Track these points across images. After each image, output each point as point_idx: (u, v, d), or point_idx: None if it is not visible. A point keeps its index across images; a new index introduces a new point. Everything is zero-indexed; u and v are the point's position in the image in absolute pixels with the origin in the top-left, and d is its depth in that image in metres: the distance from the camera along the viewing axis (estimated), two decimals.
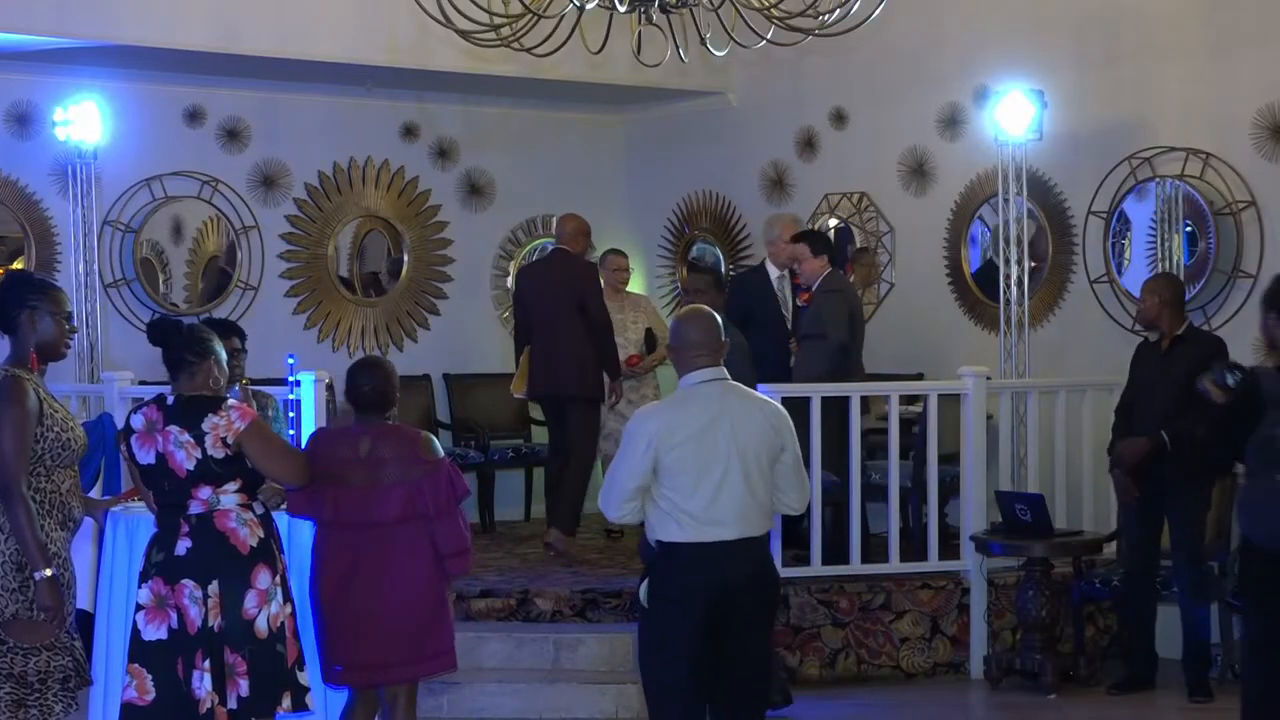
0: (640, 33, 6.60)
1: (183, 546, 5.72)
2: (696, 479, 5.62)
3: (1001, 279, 9.73)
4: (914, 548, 9.04)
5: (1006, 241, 9.68)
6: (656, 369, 10.66)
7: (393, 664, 6.22)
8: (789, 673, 8.34)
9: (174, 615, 5.69)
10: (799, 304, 9.69)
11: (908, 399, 9.40)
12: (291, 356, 7.65)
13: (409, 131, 11.84)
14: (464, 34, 6.70)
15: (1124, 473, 8.28)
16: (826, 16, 6.54)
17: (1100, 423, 8.99)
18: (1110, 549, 8.88)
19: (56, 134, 10.08)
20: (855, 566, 8.73)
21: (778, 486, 5.77)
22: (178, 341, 5.84)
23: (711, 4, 6.53)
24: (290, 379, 7.64)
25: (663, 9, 6.49)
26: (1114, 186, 9.65)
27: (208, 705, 5.66)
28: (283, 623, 5.81)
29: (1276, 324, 6.25)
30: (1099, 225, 9.76)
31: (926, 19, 10.49)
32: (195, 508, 5.74)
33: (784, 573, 7.66)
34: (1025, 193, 9.63)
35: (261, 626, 5.74)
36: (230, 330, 7.37)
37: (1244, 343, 8.56)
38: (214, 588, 5.69)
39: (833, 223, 11.26)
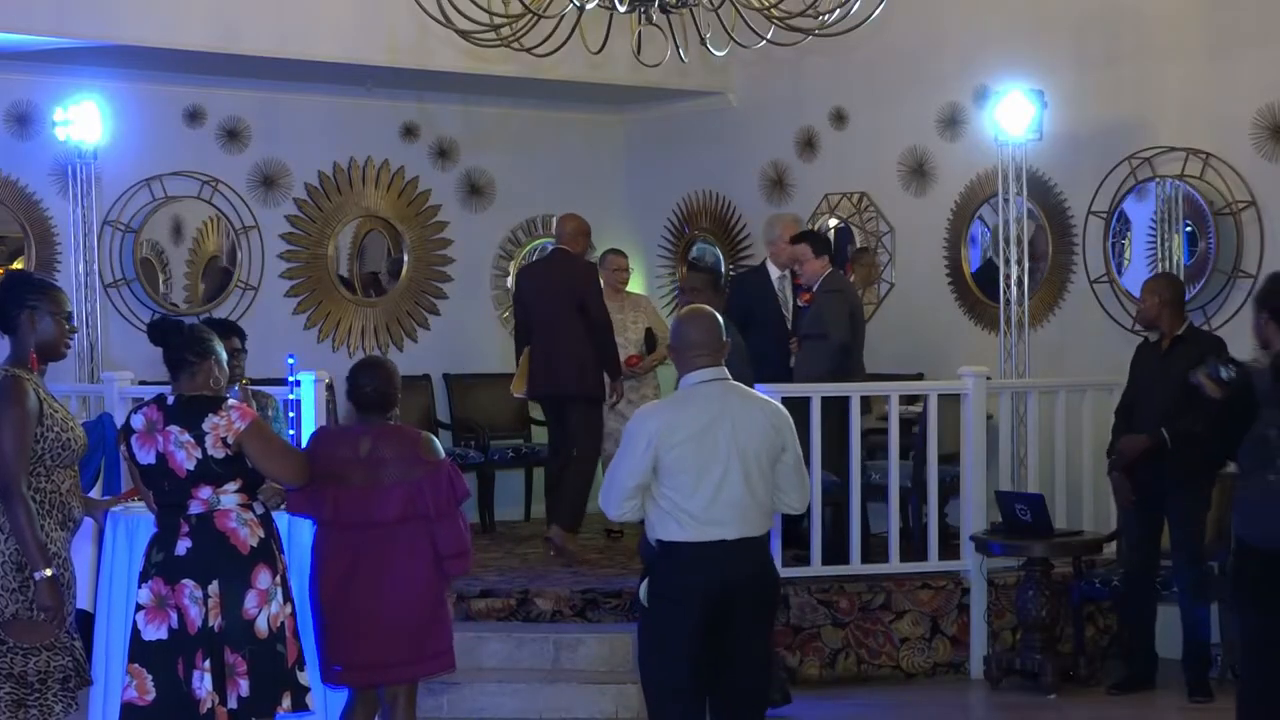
0: (640, 33, 6.60)
1: (183, 546, 5.72)
2: (696, 478, 5.63)
3: (1001, 279, 9.73)
4: (914, 548, 9.04)
5: (1006, 241, 9.68)
6: (657, 369, 10.67)
7: (392, 664, 6.21)
8: (789, 673, 8.34)
9: (174, 615, 5.69)
10: (800, 304, 9.69)
11: (908, 399, 9.40)
12: (291, 356, 7.66)
13: (409, 131, 11.84)
14: (464, 34, 6.70)
15: (1122, 475, 8.29)
16: (826, 16, 6.54)
17: (1100, 423, 8.99)
18: (1110, 549, 8.88)
19: (56, 134, 10.08)
20: (855, 566, 8.73)
21: (778, 486, 5.78)
22: (178, 341, 5.84)
23: (711, 4, 6.53)
24: (290, 379, 7.64)
25: (663, 9, 6.49)
26: (1114, 186, 9.65)
27: (208, 705, 5.66)
28: (283, 623, 5.81)
29: (1269, 324, 6.24)
30: (1099, 225, 9.76)
31: (926, 19, 10.49)
32: (195, 508, 5.74)
33: (784, 573, 7.66)
34: (1025, 193, 9.63)
35: (262, 626, 5.74)
36: (230, 330, 7.36)
37: (1244, 342, 8.52)
38: (214, 588, 5.69)
39: (833, 223, 11.26)
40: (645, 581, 5.78)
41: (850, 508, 8.74)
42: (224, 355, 5.93)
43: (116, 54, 10.12)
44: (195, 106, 11.04)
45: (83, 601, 5.97)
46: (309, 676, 5.95)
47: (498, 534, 10.88)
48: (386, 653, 6.18)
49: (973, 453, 8.87)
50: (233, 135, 11.17)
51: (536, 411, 10.91)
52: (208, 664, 5.67)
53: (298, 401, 7.75)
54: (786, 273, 9.84)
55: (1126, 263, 9.74)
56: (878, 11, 6.51)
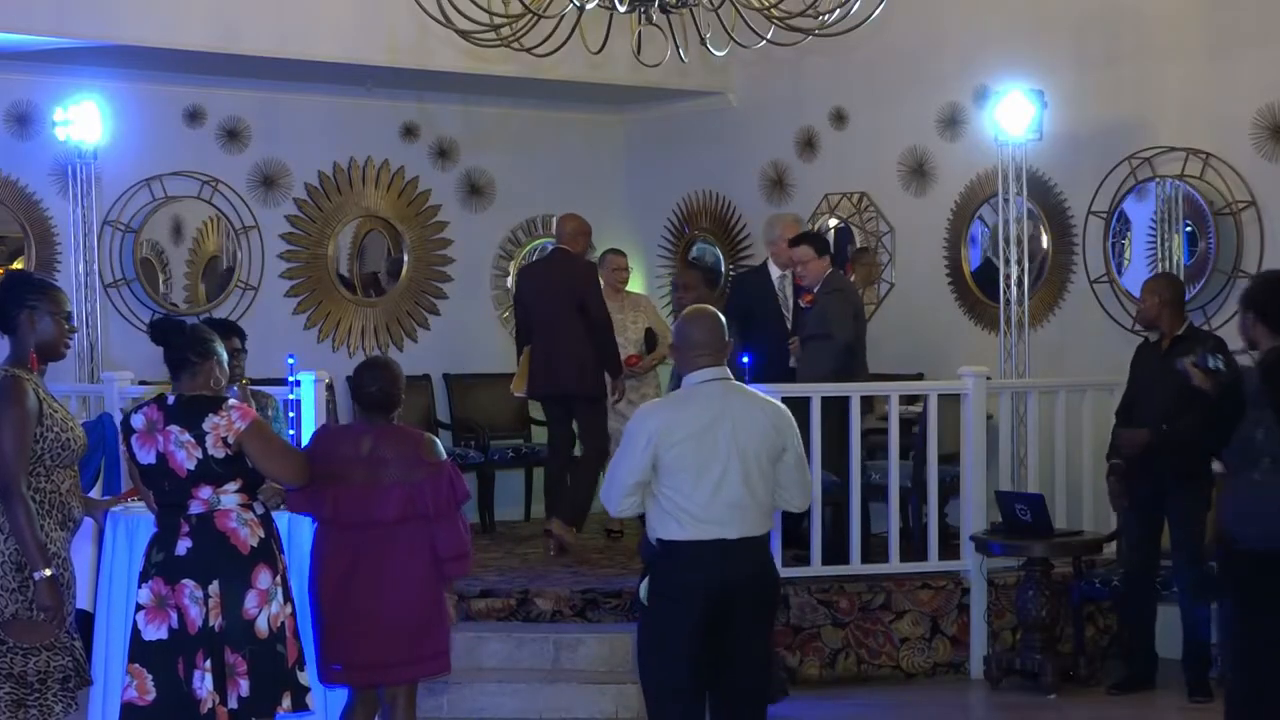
0: (640, 33, 6.60)
1: (183, 546, 5.72)
2: (696, 477, 5.65)
3: (1001, 279, 9.73)
4: (914, 548, 9.04)
5: (1006, 241, 9.68)
6: (657, 368, 10.67)
7: (392, 664, 6.21)
8: (789, 673, 8.34)
9: (174, 615, 5.69)
10: (801, 305, 9.67)
11: (908, 399, 9.40)
12: (291, 356, 7.66)
13: (409, 131, 11.84)
14: (464, 34, 6.70)
15: (1118, 479, 8.29)
16: (826, 16, 6.54)
17: (1100, 423, 8.99)
18: (1110, 549, 8.87)
19: (56, 134, 10.08)
20: (855, 566, 8.73)
21: (780, 485, 5.81)
22: (180, 341, 5.85)
23: (711, 4, 6.53)
24: (290, 379, 7.65)
25: (663, 9, 6.49)
26: (1114, 186, 9.65)
27: (208, 705, 5.67)
28: (283, 623, 5.81)
29: (1256, 324, 6.24)
30: (1099, 225, 9.76)
31: (926, 19, 10.49)
32: (196, 507, 5.74)
33: (784, 573, 7.66)
34: (1025, 193, 9.63)
35: (262, 626, 5.74)
36: (230, 330, 7.37)
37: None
38: (214, 588, 5.69)
39: (833, 223, 11.26)
40: (645, 580, 5.79)
41: (850, 508, 8.74)
42: (225, 356, 5.93)
43: (116, 54, 10.12)
44: (195, 106, 11.04)
45: (83, 601, 5.97)
46: (309, 676, 5.96)
47: (498, 534, 10.88)
48: (386, 653, 6.17)
49: (973, 453, 8.87)
50: (233, 135, 11.17)
51: (536, 411, 10.91)
52: (208, 664, 5.67)
53: (298, 401, 7.76)
54: (787, 273, 9.83)
55: (1126, 263, 9.74)
56: (878, 11, 6.51)
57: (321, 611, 6.21)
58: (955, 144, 10.54)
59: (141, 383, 8.83)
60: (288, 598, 5.89)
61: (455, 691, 7.84)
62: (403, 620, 6.16)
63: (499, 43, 6.80)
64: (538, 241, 12.19)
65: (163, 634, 5.71)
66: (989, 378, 9.09)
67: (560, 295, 9.64)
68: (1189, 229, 9.44)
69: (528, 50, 6.78)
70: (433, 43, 9.67)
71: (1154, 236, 9.58)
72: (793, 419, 5.90)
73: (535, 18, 6.60)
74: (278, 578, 5.82)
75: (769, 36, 6.80)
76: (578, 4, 6.41)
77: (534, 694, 7.94)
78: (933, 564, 8.85)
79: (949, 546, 8.96)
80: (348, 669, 6.21)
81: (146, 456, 5.77)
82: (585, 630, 8.33)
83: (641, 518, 5.99)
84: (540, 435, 10.85)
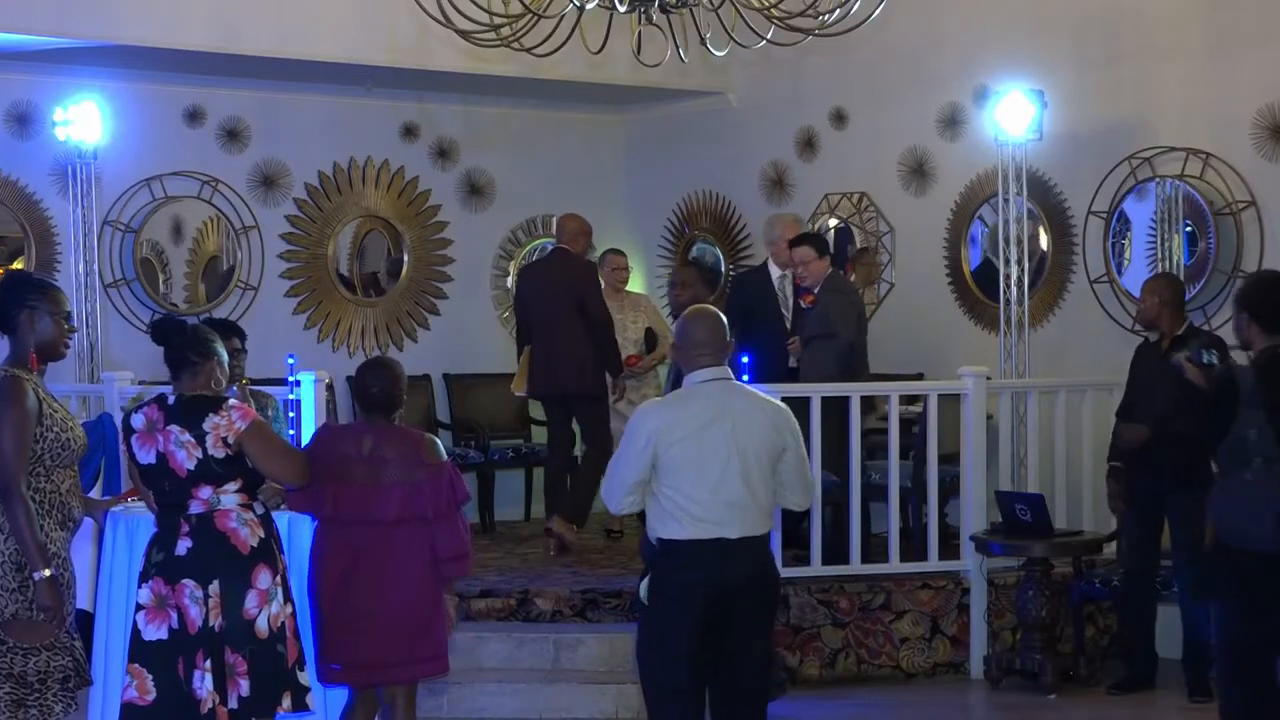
0: (640, 33, 6.60)
1: (183, 546, 5.72)
2: (695, 477, 5.66)
3: (1001, 279, 9.73)
4: (914, 548, 9.04)
5: (1006, 241, 9.68)
6: (657, 367, 10.67)
7: (392, 664, 6.21)
8: (789, 672, 8.34)
9: (174, 615, 5.70)
10: (802, 305, 9.66)
11: (908, 399, 9.40)
12: (291, 356, 7.67)
13: (409, 131, 11.84)
14: (464, 34, 6.70)
15: (1117, 480, 8.29)
16: (826, 16, 6.54)
17: (1100, 423, 8.99)
18: (1110, 549, 8.87)
19: (56, 134, 10.08)
20: (855, 566, 8.73)
21: (782, 484, 5.82)
22: (181, 341, 5.85)
23: (711, 4, 6.53)
24: (290, 379, 7.65)
25: (663, 9, 6.49)
26: (1114, 186, 9.65)
27: (209, 705, 5.67)
28: (283, 623, 5.81)
29: (1250, 324, 6.24)
30: (1099, 225, 9.76)
31: (926, 19, 10.49)
32: (196, 507, 5.74)
33: (784, 573, 7.65)
34: (1025, 193, 9.63)
35: (262, 626, 5.74)
36: (231, 330, 7.38)
37: None
38: (214, 588, 5.69)
39: (833, 223, 11.26)
40: (645, 579, 5.80)
41: (850, 508, 8.74)
42: (225, 356, 5.94)
43: (116, 54, 10.12)
44: (195, 106, 11.04)
45: (83, 601, 5.98)
46: (309, 676, 5.96)
47: (498, 534, 10.87)
48: (385, 652, 6.17)
49: (973, 453, 8.87)
50: (233, 135, 11.17)
51: (536, 411, 10.91)
52: (208, 664, 5.67)
53: (298, 401, 7.76)
54: (787, 273, 9.83)
55: (1126, 263, 9.74)
56: (878, 11, 6.51)
57: (321, 610, 6.21)
58: (955, 144, 10.54)
59: (141, 383, 8.83)
60: (288, 598, 5.89)
61: (455, 691, 7.84)
62: (402, 620, 6.16)
63: (499, 43, 6.80)
64: (538, 241, 12.19)
65: (163, 634, 5.71)
66: (989, 378, 9.09)
67: (560, 295, 9.64)
68: (1189, 229, 9.44)
69: (528, 50, 6.78)
70: (433, 43, 9.67)
71: (1154, 236, 9.58)
72: (794, 419, 5.90)
73: (535, 18, 6.60)
74: (278, 578, 5.82)
75: (769, 36, 6.80)
76: (578, 4, 6.41)
77: (534, 694, 7.93)
78: (933, 564, 8.85)
79: (949, 546, 8.96)
80: (347, 668, 6.21)
81: (146, 456, 5.77)
82: (585, 630, 8.33)
83: (642, 517, 6.01)
84: (540, 435, 10.85)
